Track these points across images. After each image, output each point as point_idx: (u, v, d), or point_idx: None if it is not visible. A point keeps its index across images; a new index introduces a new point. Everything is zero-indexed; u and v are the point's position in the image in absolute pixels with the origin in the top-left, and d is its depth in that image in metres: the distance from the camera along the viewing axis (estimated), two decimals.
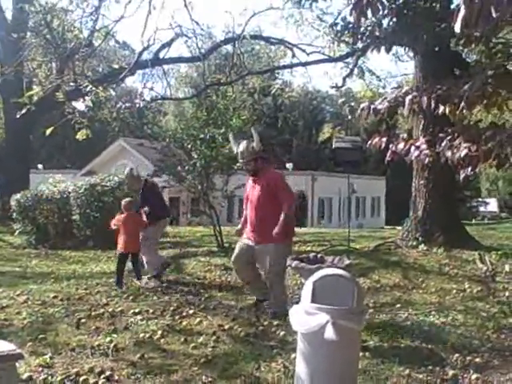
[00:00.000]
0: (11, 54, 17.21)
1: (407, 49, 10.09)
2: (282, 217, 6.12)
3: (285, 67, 22.98)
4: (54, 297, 7.15)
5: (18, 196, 13.45)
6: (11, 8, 19.03)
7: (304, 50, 19.60)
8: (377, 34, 6.74)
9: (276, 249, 6.19)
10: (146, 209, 8.45)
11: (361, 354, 4.42)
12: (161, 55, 19.20)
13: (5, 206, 15.95)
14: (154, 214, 8.55)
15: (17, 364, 3.72)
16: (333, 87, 20.91)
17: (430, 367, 4.68)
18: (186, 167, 11.35)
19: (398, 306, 6.80)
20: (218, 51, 23.74)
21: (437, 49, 9.19)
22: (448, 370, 4.63)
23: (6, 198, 15.66)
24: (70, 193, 12.88)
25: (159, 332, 5.64)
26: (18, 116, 14.91)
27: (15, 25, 18.24)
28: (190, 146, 11.39)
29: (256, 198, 6.35)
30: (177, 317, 6.27)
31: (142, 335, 5.56)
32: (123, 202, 8.07)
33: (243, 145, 6.50)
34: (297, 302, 4.03)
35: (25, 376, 4.43)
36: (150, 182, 9.18)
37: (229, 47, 22.69)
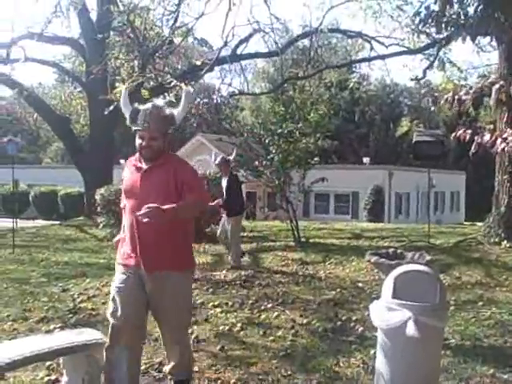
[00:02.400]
0: (96, 53, 17.81)
1: (491, 38, 9.73)
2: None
3: (363, 60, 22.69)
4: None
5: (103, 190, 13.89)
6: (96, 9, 19.67)
7: (382, 43, 19.32)
8: (462, 22, 6.54)
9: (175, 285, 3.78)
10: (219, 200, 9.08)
11: (442, 352, 4.34)
12: (238, 51, 19.40)
13: (90, 200, 16.54)
14: (236, 207, 9.16)
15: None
16: (413, 80, 20.45)
17: None
18: (264, 162, 11.42)
19: (481, 304, 6.61)
20: (294, 45, 23.70)
21: None
22: None
23: (91, 192, 16.23)
24: None
25: (238, 325, 5.73)
26: (106, 113, 15.50)
27: (100, 25, 18.85)
28: (267, 141, 11.45)
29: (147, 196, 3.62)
30: (255, 310, 6.34)
31: (221, 327, 5.67)
32: None
33: (149, 107, 3.80)
34: (376, 298, 3.99)
35: None
36: (234, 174, 9.55)
37: (306, 41, 22.63)
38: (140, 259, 3.67)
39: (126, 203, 3.85)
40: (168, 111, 3.83)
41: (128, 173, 3.94)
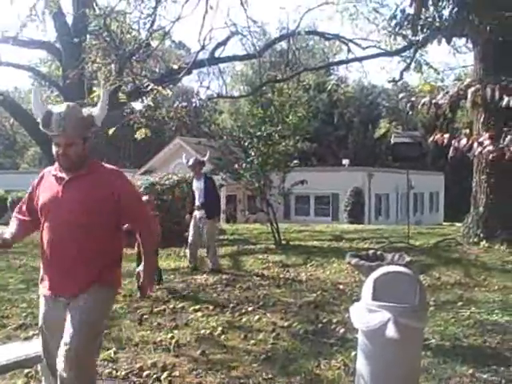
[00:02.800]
0: (73, 57, 17.68)
1: (467, 40, 9.85)
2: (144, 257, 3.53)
3: (340, 63, 22.81)
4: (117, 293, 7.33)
5: None
6: (72, 13, 19.53)
7: (359, 45, 19.43)
8: (437, 25, 6.60)
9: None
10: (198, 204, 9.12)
11: (422, 352, 4.36)
12: (216, 54, 19.37)
13: None
14: (215, 210, 9.31)
15: None
16: (390, 81, 20.67)
17: (494, 367, 4.57)
18: (244, 165, 11.43)
19: (460, 304, 6.66)
20: (272, 48, 23.74)
21: (501, 39, 8.92)
22: None
23: None
24: None
25: (219, 328, 5.71)
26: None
27: (76, 29, 18.72)
28: (246, 144, 11.46)
29: (68, 213, 3.21)
30: (236, 313, 6.33)
31: (202, 331, 5.65)
32: None
33: (64, 109, 3.30)
34: (357, 300, 4.00)
35: None
36: (209, 177, 9.53)
37: (283, 44, 22.70)
38: (60, 285, 3.23)
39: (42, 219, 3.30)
40: (86, 112, 3.37)
41: (46, 185, 3.36)
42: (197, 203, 9.17)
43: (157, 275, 8.00)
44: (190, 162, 9.32)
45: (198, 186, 9.22)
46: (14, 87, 43.55)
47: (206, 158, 9.55)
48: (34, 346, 3.75)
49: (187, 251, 9.47)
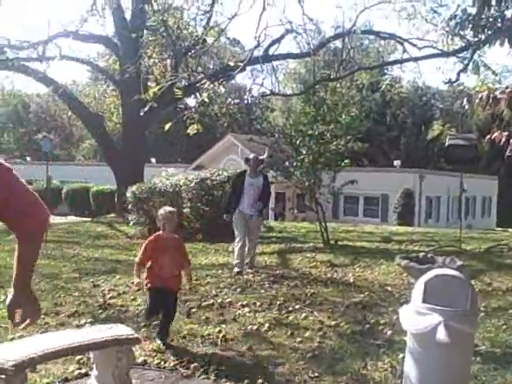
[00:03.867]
0: (130, 52, 18.01)
1: None
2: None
3: (395, 62, 22.56)
4: None
5: (134, 188, 14.04)
6: (130, 8, 19.90)
7: (415, 45, 19.18)
8: (499, 25, 6.46)
9: None
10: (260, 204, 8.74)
11: (472, 358, 4.29)
12: (270, 51, 19.42)
13: (121, 197, 16.71)
14: (266, 208, 8.92)
15: (133, 348, 3.94)
16: (446, 83, 20.30)
17: None
18: (294, 163, 11.42)
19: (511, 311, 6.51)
20: (326, 47, 23.66)
21: None
22: None
23: (122, 190, 16.40)
24: (181, 186, 13.27)
25: (266, 325, 5.74)
26: (141, 113, 15.68)
27: (134, 24, 19.05)
28: (298, 142, 11.44)
29: None
30: (283, 311, 6.34)
31: (249, 327, 5.69)
32: (163, 213, 5.30)
33: None
34: (405, 302, 3.97)
35: (140, 359, 4.67)
36: (267, 176, 9.30)
37: (338, 42, 22.58)
38: None
39: None
40: None
41: None
42: (247, 201, 8.76)
43: None
44: (251, 160, 8.93)
45: (252, 183, 8.84)
46: (72, 80, 44.53)
47: (264, 157, 9.40)
48: (87, 334, 3.86)
49: (235, 249, 8.89)
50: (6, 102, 56.95)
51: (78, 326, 5.44)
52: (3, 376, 3.03)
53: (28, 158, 46.51)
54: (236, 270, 8.49)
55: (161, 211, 5.36)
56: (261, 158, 9.19)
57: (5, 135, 59.02)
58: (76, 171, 38.66)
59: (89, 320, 5.84)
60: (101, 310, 6.33)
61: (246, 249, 8.78)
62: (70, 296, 7.02)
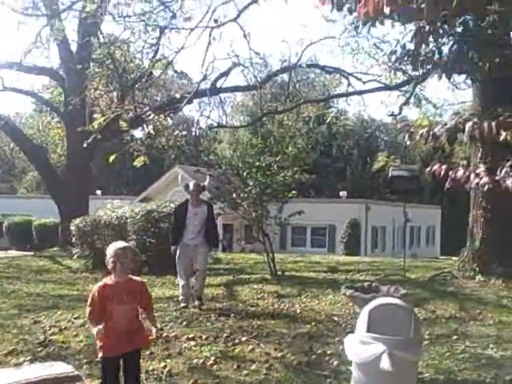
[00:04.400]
0: (75, 84, 17.87)
1: (466, 76, 9.98)
2: None
3: (340, 96, 23.07)
4: None
5: (78, 221, 13.79)
6: (76, 41, 19.77)
7: (360, 79, 19.72)
8: (437, 61, 6.69)
9: None
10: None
11: None
12: (218, 84, 19.58)
13: (64, 231, 16.37)
14: (216, 239, 8.81)
15: None
16: (390, 115, 20.88)
17: None
18: (241, 194, 11.43)
19: (455, 337, 6.60)
20: (273, 80, 24.03)
21: (499, 76, 9.04)
22: None
23: (66, 223, 16.07)
24: (127, 218, 13.10)
25: (212, 358, 5.66)
26: (85, 145, 15.48)
27: (80, 56, 18.92)
28: (245, 174, 11.48)
29: None
30: (230, 343, 6.26)
31: (195, 361, 5.59)
32: (113, 249, 4.17)
33: None
34: (351, 332, 3.98)
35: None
36: (211, 204, 9.07)
37: (285, 76, 22.97)
38: None
39: None
40: None
41: None
42: (191, 231, 8.41)
43: None
44: (191, 187, 8.58)
45: (196, 212, 8.50)
46: (15, 112, 43.68)
47: (206, 183, 9.24)
48: (25, 373, 3.72)
49: (179, 286, 8.60)
50: None
51: (16, 365, 5.22)
52: None
53: None
54: (182, 304, 8.25)
55: (109, 248, 4.17)
56: (202, 184, 9.01)
57: None
58: (18, 204, 37.68)
59: (28, 358, 5.64)
60: (41, 348, 6.10)
61: (193, 280, 8.58)
62: (9, 333, 6.74)
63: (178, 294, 8.61)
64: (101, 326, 3.92)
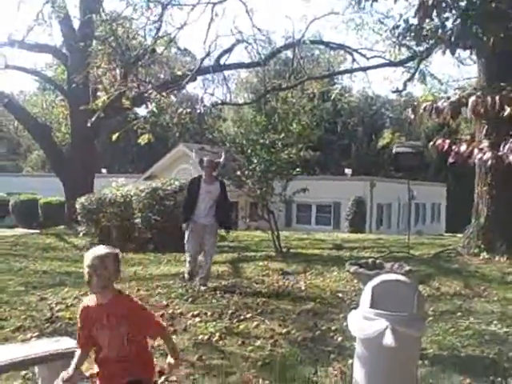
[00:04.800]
0: (78, 62, 17.76)
1: (471, 52, 9.88)
2: None
3: (345, 72, 22.92)
4: None
5: (83, 199, 13.86)
6: (78, 18, 19.63)
7: (364, 55, 19.55)
8: (440, 35, 6.62)
9: None
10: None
11: (420, 361, 4.35)
12: (222, 61, 19.46)
13: (70, 209, 16.44)
14: (230, 218, 8.71)
15: None
16: (394, 92, 20.73)
17: (492, 378, 4.56)
18: (246, 172, 11.42)
19: (459, 314, 6.64)
20: (277, 56, 23.86)
21: (504, 51, 8.95)
22: (510, 381, 4.50)
23: (71, 201, 16.13)
24: (132, 196, 13.15)
25: (217, 334, 5.71)
26: (88, 124, 15.45)
27: (82, 34, 18.80)
28: (249, 151, 11.46)
29: None
30: (235, 320, 6.32)
31: (200, 337, 5.65)
32: (88, 260, 3.21)
33: None
34: (355, 308, 4.00)
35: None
36: (223, 182, 8.70)
37: (288, 52, 22.78)
38: None
39: None
40: None
41: None
42: (202, 209, 8.11)
43: None
44: (205, 163, 8.21)
45: (209, 189, 8.16)
46: (19, 91, 43.60)
47: (221, 160, 8.76)
48: (32, 348, 3.75)
49: (186, 264, 8.45)
50: None
51: (23, 341, 5.27)
52: None
53: None
54: (186, 276, 8.25)
55: (85, 256, 3.23)
56: (216, 160, 8.62)
57: None
58: (24, 182, 37.79)
59: (35, 334, 5.68)
60: (48, 324, 6.15)
61: (200, 258, 8.34)
62: (16, 310, 6.80)
63: (184, 269, 8.48)
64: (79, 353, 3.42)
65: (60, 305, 7.03)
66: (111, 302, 3.23)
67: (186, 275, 8.30)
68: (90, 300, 3.32)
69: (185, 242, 8.29)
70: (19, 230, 24.15)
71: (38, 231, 19.97)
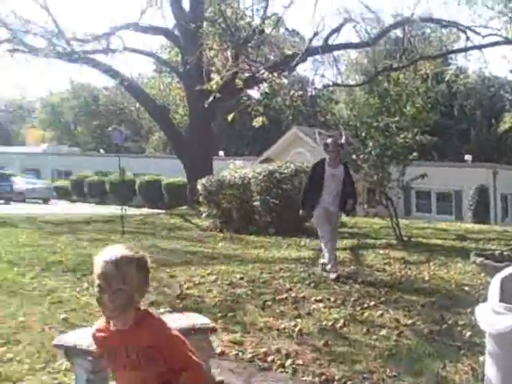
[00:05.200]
0: (191, 43, 18.08)
1: None
2: None
3: (458, 51, 21.77)
4: (241, 278, 7.51)
5: (204, 180, 14.20)
6: None
7: (478, 33, 18.46)
8: None
9: None
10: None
11: None
12: (330, 41, 19.17)
13: (192, 190, 16.92)
14: (355, 203, 8.15)
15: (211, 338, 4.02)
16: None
17: None
18: (361, 156, 11.27)
19: None
20: (387, 36, 23.08)
21: None
22: None
23: (193, 182, 16.60)
24: (250, 179, 13.32)
25: (341, 321, 5.75)
26: (206, 105, 15.81)
27: (193, 15, 19.05)
28: (364, 134, 11.29)
29: None
30: (358, 307, 6.33)
31: (324, 322, 5.71)
32: (96, 268, 2.28)
33: None
34: (483, 301, 3.91)
35: (218, 350, 4.78)
36: (347, 165, 8.37)
37: (398, 31, 22.04)
38: None
39: None
40: None
41: None
42: (328, 196, 7.84)
43: None
44: (330, 146, 7.84)
45: (333, 173, 7.86)
46: (138, 73, 45.45)
47: (343, 141, 8.61)
48: (169, 321, 3.92)
49: (323, 247, 8.03)
50: (77, 95, 58.81)
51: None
52: (90, 358, 3.10)
53: (101, 151, 47.86)
54: (332, 276, 7.63)
55: (95, 263, 2.29)
56: (340, 142, 8.35)
57: (78, 128, 60.97)
58: (147, 163, 39.48)
59: (167, 309, 5.95)
60: (178, 300, 6.43)
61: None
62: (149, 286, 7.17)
63: (325, 261, 7.98)
64: None
65: (188, 283, 7.29)
66: (133, 329, 2.30)
67: (331, 272, 7.73)
68: (99, 325, 2.42)
69: (318, 228, 8.12)
70: (145, 210, 25.33)
71: (163, 211, 20.80)
